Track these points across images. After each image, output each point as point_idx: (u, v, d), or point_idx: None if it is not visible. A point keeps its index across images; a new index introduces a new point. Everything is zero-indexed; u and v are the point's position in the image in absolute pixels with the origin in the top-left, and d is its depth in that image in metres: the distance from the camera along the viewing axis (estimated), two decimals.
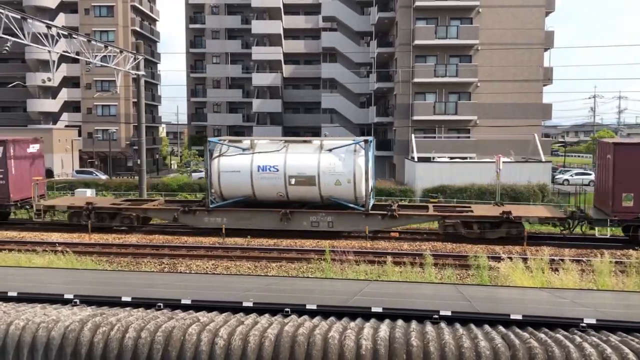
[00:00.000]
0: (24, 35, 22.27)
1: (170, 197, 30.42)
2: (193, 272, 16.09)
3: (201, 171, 49.68)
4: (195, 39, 65.30)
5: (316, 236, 21.31)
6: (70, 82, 60.87)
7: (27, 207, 23.94)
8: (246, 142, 22.33)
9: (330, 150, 21.17)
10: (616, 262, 15.27)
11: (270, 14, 57.48)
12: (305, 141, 22.87)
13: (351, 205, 21.12)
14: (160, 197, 30.01)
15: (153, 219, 24.19)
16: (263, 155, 21.32)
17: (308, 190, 21.05)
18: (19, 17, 22.03)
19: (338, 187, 20.86)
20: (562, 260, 14.69)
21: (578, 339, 4.48)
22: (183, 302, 5.54)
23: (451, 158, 37.26)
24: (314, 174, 20.77)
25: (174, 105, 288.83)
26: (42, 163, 25.86)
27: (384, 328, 4.72)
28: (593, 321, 4.86)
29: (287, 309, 5.25)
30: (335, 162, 20.85)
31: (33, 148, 24.71)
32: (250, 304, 5.42)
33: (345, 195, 21.06)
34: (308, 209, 21.50)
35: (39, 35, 23.83)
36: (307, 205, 21.72)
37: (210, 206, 21.76)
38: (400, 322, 4.92)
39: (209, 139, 22.90)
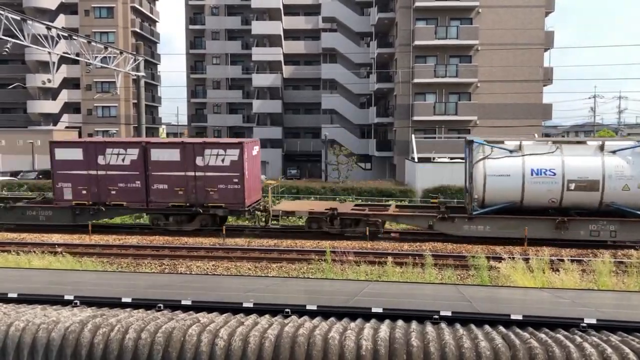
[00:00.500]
0: (24, 36, 22.30)
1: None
2: (193, 273, 16.10)
3: None
4: (195, 39, 65.34)
5: (316, 237, 21.32)
6: (71, 83, 60.91)
7: (261, 211, 22.73)
8: (511, 143, 20.36)
9: (614, 152, 19.56)
10: (617, 262, 15.29)
11: (270, 14, 57.53)
12: (579, 142, 21.44)
13: (637, 212, 19.43)
14: (393, 201, 27.81)
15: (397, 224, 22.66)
16: (535, 157, 19.71)
17: (587, 196, 19.47)
18: (18, 18, 22.07)
19: (625, 193, 19.28)
20: (562, 260, 14.69)
21: (578, 339, 4.47)
22: (183, 302, 5.54)
23: (451, 158, 37.25)
24: (598, 178, 19.24)
25: (174, 106, 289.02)
26: (260, 165, 24.73)
27: (384, 328, 4.72)
28: (593, 321, 4.85)
29: (287, 310, 5.25)
30: (623, 164, 19.28)
31: (255, 150, 23.38)
32: (251, 305, 5.42)
33: (633, 201, 19.45)
34: (584, 216, 19.99)
35: (38, 37, 23.87)
36: (583, 212, 20.12)
37: (473, 213, 20.28)
38: (400, 322, 4.92)
39: (473, 139, 20.77)
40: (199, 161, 21.36)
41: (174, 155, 21.55)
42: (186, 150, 21.52)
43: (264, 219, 22.88)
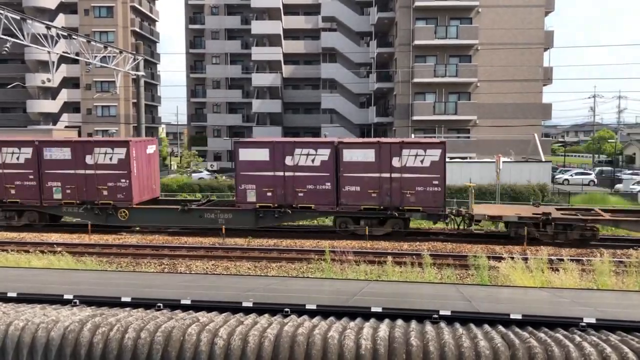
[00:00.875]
0: (23, 36, 22.29)
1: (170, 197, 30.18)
2: (193, 272, 16.09)
3: (201, 172, 49.70)
4: (194, 39, 65.33)
5: (316, 236, 21.31)
6: (70, 82, 60.88)
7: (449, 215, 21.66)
8: None
9: None
10: (617, 262, 15.29)
11: (270, 14, 57.50)
12: None
13: None
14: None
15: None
16: None
17: None
18: (18, 17, 22.05)
19: None
20: (562, 260, 14.70)
21: (578, 339, 4.47)
22: (183, 302, 5.54)
23: (451, 158, 37.23)
24: None
25: (173, 105, 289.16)
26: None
27: (384, 328, 4.72)
28: (593, 320, 4.86)
29: (286, 309, 5.25)
30: None
31: (151, 149, 23.78)
32: (250, 304, 5.42)
33: None
34: None
35: (38, 36, 23.85)
36: None
37: None
38: (399, 321, 4.92)
39: None
40: (395, 162, 20.50)
41: (368, 155, 20.78)
42: (382, 150, 20.65)
43: (461, 223, 21.44)
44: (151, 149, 23.81)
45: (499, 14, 40.05)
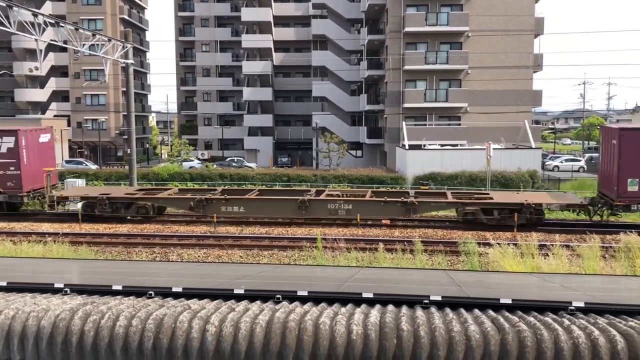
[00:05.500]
0: (9, 23, 21.96)
1: (161, 186, 30.19)
2: (184, 260, 16.08)
3: (192, 160, 49.51)
4: (184, 26, 64.77)
5: (308, 224, 21.33)
6: (59, 71, 60.29)
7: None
8: None
9: None
10: (606, 247, 15.44)
11: (260, 1, 57.11)
12: None
13: None
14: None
15: None
16: None
17: None
18: (4, 4, 21.72)
19: None
20: (552, 245, 14.80)
21: (566, 322, 4.52)
22: (174, 290, 5.54)
23: (442, 145, 37.35)
24: None
25: (163, 94, 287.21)
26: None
27: (375, 313, 4.75)
28: (581, 304, 4.91)
29: (278, 296, 5.27)
30: None
31: (44, 138, 24.05)
32: (242, 291, 5.43)
33: None
34: None
35: (25, 24, 23.50)
36: None
37: None
38: (390, 307, 4.95)
39: None
40: None
41: None
42: None
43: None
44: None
45: (489, 0, 39.98)
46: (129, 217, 22.22)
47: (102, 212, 21.70)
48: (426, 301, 5.03)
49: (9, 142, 22.13)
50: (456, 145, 38.18)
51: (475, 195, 22.26)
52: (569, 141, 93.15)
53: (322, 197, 21.64)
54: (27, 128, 23.87)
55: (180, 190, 24.63)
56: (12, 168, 22.14)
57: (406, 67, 40.26)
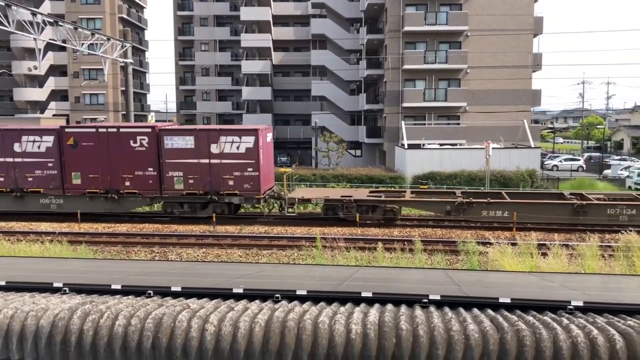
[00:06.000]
0: (8, 22, 21.96)
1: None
2: (184, 260, 16.09)
3: None
4: (183, 26, 64.69)
5: (307, 223, 21.33)
6: (58, 70, 60.20)
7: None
8: None
9: None
10: (605, 246, 15.45)
11: (259, 0, 57.04)
12: None
13: None
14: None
15: None
16: None
17: None
18: (3, 4, 21.72)
19: None
20: (551, 244, 14.81)
21: (565, 321, 4.52)
22: (173, 289, 5.53)
23: (441, 145, 37.34)
24: None
25: (162, 93, 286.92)
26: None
27: (374, 312, 4.75)
28: (580, 303, 4.91)
29: (277, 295, 5.26)
30: None
31: (269, 137, 23.27)
32: (241, 291, 5.42)
33: None
34: None
35: (24, 23, 23.50)
36: None
37: None
38: (389, 306, 4.95)
39: None
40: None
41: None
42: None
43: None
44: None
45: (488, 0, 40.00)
46: (375, 221, 21.09)
47: (346, 215, 20.89)
48: (425, 300, 5.03)
49: (248, 141, 21.25)
50: (455, 144, 38.18)
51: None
52: (561, 140, 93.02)
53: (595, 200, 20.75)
54: (261, 127, 22.76)
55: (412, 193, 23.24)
56: (250, 169, 21.26)
57: (405, 67, 40.25)
